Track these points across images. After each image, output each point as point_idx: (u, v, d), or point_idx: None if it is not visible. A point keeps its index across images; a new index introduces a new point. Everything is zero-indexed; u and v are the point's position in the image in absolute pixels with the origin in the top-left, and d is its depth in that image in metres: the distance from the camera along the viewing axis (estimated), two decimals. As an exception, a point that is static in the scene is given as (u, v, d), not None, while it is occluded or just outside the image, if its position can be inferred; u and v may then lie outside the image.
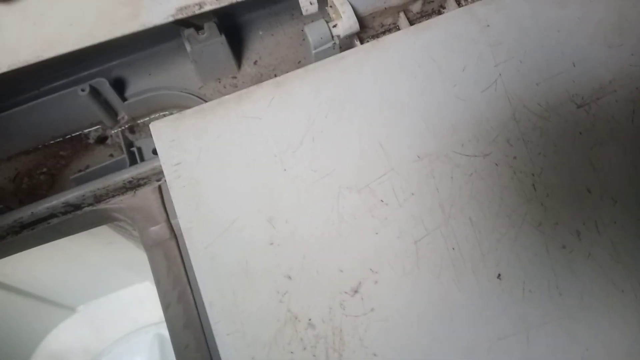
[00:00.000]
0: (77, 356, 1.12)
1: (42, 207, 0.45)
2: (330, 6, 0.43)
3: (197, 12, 0.44)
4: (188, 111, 0.39)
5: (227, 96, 0.40)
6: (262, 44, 0.57)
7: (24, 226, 0.47)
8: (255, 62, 0.57)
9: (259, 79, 0.56)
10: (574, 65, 0.39)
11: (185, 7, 0.43)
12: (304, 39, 0.54)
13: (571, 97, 0.38)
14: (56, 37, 0.42)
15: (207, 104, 0.40)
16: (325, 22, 0.42)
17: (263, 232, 0.35)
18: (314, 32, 0.41)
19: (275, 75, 0.56)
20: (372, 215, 0.35)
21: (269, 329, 0.33)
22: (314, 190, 0.36)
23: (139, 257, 0.96)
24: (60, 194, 0.46)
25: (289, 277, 0.34)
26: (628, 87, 0.38)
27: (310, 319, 0.33)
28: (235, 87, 0.56)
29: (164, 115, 0.57)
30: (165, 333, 1.11)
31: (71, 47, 0.42)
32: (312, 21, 0.42)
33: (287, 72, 0.55)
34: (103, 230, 0.83)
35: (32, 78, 0.52)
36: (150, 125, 0.39)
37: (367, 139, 0.37)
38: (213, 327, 0.32)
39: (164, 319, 1.16)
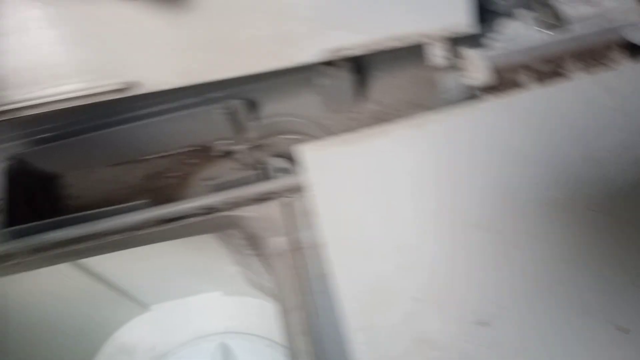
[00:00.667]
0: (143, 352, 1.18)
1: (187, 206, 0.51)
2: (464, 59, 0.47)
3: (346, 55, 0.49)
4: (335, 139, 0.44)
5: (370, 130, 0.45)
6: (383, 83, 0.62)
7: (165, 221, 0.52)
8: (377, 101, 0.61)
9: (377, 116, 0.61)
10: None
11: (338, 49, 0.49)
12: (426, 84, 0.58)
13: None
14: (223, 65, 0.48)
15: (352, 135, 0.45)
16: (459, 74, 0.46)
17: (390, 257, 0.39)
18: (450, 80, 0.46)
19: (393, 114, 0.60)
20: (502, 254, 0.39)
21: (398, 346, 0.36)
22: (442, 223, 0.40)
23: (217, 267, 1.01)
24: (201, 197, 0.51)
25: (417, 300, 0.38)
26: None
27: (436, 342, 0.36)
28: (355, 121, 0.61)
29: (286, 138, 0.62)
30: (230, 343, 1.15)
31: (235, 74, 0.49)
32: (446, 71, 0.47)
33: (404, 112, 0.60)
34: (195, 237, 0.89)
35: (178, 92, 0.58)
36: (301, 149, 0.44)
37: (493, 183, 0.41)
38: (351, 335, 0.36)
39: (228, 329, 1.20)
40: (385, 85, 0.62)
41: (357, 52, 0.51)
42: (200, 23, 0.47)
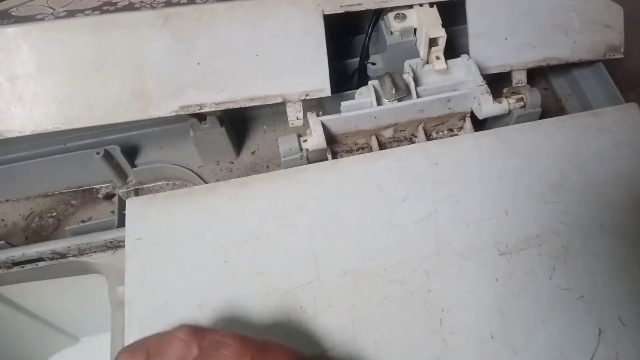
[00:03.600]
0: (70, 384, 1.16)
1: (32, 250, 0.51)
2: (308, 122, 0.48)
3: (197, 111, 0.51)
4: (161, 194, 0.45)
5: (197, 187, 0.46)
6: (263, 137, 0.64)
7: (15, 263, 0.53)
8: (253, 152, 0.63)
9: (253, 168, 0.62)
10: (507, 214, 0.42)
11: (188, 106, 0.50)
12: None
13: (496, 243, 0.41)
14: (76, 115, 0.49)
15: (179, 190, 0.46)
16: (297, 136, 0.47)
17: (191, 315, 0.39)
18: (285, 143, 0.47)
19: (268, 167, 0.62)
20: (289, 319, 0.39)
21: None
22: (247, 285, 0.40)
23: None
24: (50, 242, 0.52)
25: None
26: (553, 244, 0.41)
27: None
28: (231, 172, 0.62)
29: (167, 184, 0.64)
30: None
31: (86, 125, 0.50)
32: (287, 133, 0.48)
33: (279, 165, 0.61)
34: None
35: (62, 134, 0.60)
36: (127, 200, 0.45)
37: (303, 247, 0.41)
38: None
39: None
40: (266, 139, 0.64)
41: (217, 109, 0.52)
42: (55, 78, 0.49)
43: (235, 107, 0.52)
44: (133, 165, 0.62)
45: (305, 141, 0.47)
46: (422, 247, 0.41)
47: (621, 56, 0.58)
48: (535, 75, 0.64)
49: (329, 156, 0.50)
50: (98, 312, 1.13)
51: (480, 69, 0.52)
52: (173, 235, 0.43)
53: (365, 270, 0.40)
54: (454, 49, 0.57)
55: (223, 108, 0.52)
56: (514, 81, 0.56)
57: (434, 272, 0.40)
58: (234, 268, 0.41)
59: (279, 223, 0.43)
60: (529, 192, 0.43)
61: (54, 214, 0.63)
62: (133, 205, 0.45)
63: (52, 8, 0.51)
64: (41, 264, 0.53)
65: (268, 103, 0.52)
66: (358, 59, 0.60)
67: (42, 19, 0.48)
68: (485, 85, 0.48)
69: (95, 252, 0.53)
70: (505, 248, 0.40)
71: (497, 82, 0.56)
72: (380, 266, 0.40)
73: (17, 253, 0.51)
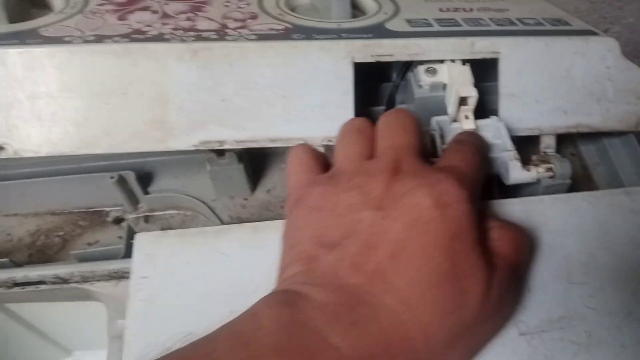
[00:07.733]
0: (57, 398, 1.13)
1: (35, 273, 0.50)
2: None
3: (217, 147, 0.50)
4: (172, 232, 0.44)
5: (209, 228, 0.44)
6: (280, 176, 0.63)
7: (16, 284, 0.52)
8: (268, 191, 0.62)
9: (266, 207, 0.61)
10: (530, 291, 0.40)
11: (208, 142, 0.49)
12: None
13: (517, 322, 0.39)
14: (93, 140, 0.48)
15: (190, 230, 0.44)
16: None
17: None
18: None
19: (282, 207, 0.60)
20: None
21: None
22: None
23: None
24: (54, 266, 0.51)
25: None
26: (577, 329, 0.38)
27: None
28: (244, 208, 0.61)
29: (178, 213, 0.63)
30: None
31: (103, 151, 0.49)
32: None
33: (294, 206, 0.59)
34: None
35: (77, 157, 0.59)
36: (136, 235, 0.44)
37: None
38: None
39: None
40: (283, 178, 0.63)
41: (237, 147, 0.51)
42: (76, 100, 0.48)
43: (256, 146, 0.51)
44: (146, 192, 0.61)
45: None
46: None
47: (653, 129, 0.56)
48: (564, 139, 0.63)
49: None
50: (94, 329, 1.11)
51: (509, 130, 0.50)
52: (180, 277, 0.41)
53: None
54: (481, 104, 0.56)
55: (243, 147, 0.51)
56: (542, 145, 0.55)
57: (449, 347, 0.38)
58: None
59: (291, 276, 0.41)
60: (555, 271, 0.41)
61: (61, 233, 0.62)
62: (142, 241, 0.43)
63: (80, 31, 0.50)
64: (42, 287, 0.52)
65: (289, 145, 0.51)
66: (383, 107, 0.59)
67: (70, 42, 0.48)
68: (515, 151, 0.47)
69: (98, 280, 0.52)
70: (526, 328, 0.38)
71: (523, 144, 0.54)
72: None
73: (19, 274, 0.50)
